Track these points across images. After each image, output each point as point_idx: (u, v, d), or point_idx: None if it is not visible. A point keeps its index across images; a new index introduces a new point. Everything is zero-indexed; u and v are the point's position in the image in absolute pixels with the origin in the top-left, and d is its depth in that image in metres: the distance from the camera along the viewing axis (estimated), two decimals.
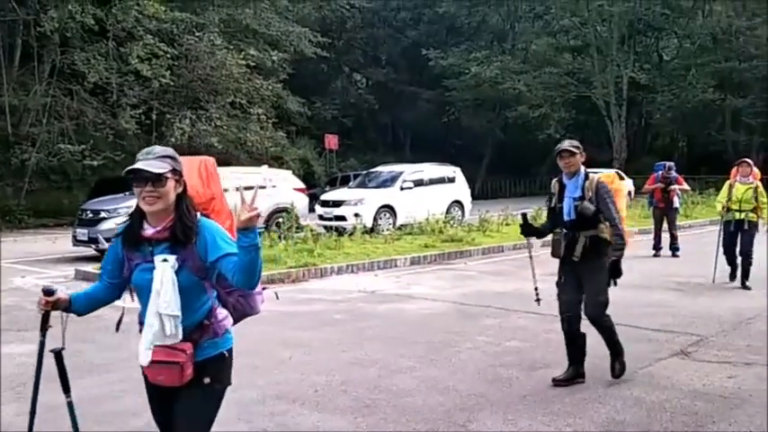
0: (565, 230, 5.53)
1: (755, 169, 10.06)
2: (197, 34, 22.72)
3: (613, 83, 35.12)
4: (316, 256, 12.18)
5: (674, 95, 35.74)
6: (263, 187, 15.85)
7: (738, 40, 35.92)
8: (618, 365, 5.69)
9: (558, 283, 5.67)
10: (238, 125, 23.66)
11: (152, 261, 2.80)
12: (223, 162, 20.75)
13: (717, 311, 8.36)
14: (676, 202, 14.25)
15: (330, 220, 17.33)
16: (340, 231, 15.41)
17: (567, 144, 5.48)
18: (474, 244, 14.64)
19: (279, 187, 16.18)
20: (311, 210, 17.94)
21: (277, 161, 26.21)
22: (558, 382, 5.54)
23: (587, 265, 5.43)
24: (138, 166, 2.75)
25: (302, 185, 17.64)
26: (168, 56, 21.49)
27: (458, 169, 20.12)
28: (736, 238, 9.88)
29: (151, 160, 2.77)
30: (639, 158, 37.30)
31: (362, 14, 38.52)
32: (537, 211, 18.28)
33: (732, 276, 10.14)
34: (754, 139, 36.53)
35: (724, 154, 37.75)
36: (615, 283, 5.53)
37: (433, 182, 19.13)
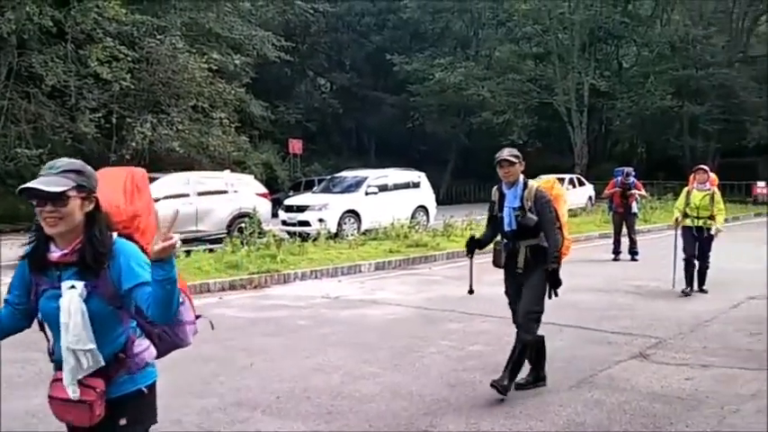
0: (506, 240, 5.51)
1: (712, 175, 10.07)
2: (158, 37, 22.43)
3: (575, 90, 35.60)
4: (279, 261, 12.10)
5: (633, 102, 36.35)
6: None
7: (695, 49, 36.72)
8: (507, 381, 5.38)
9: (506, 293, 5.71)
10: (200, 129, 23.40)
11: (59, 287, 2.48)
12: (185, 167, 20.72)
13: (675, 314, 8.51)
14: (635, 208, 14.50)
15: (294, 225, 17.23)
16: (304, 237, 15.33)
17: (506, 153, 5.39)
18: (439, 249, 14.69)
19: (241, 192, 16.06)
20: (274, 215, 17.82)
21: (240, 166, 25.99)
22: (520, 386, 5.53)
23: (528, 275, 5.41)
24: (32, 184, 2.40)
25: (265, 190, 17.52)
26: (129, 59, 21.16)
27: (422, 174, 20.19)
28: (694, 245, 9.81)
29: (52, 176, 2.43)
30: (600, 164, 37.84)
31: (326, 19, 38.43)
32: None
33: (688, 284, 9.91)
34: (710, 146, 37.32)
35: (681, 160, 38.56)
36: (556, 294, 5.42)
37: (397, 187, 19.15)
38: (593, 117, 38.96)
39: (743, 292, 9.84)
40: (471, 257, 5.91)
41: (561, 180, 28.96)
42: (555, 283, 5.36)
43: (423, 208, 19.41)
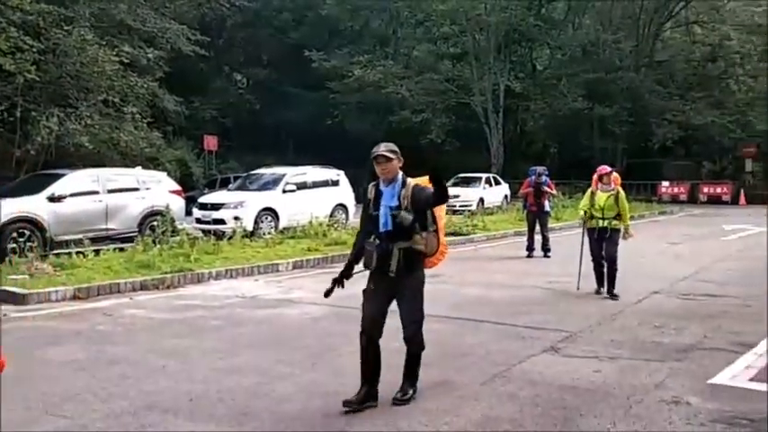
0: (378, 241, 5.13)
1: (615, 174, 10.13)
2: (66, 28, 21.52)
3: (491, 91, 36.29)
4: (192, 261, 11.81)
5: (546, 104, 37.38)
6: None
7: (605, 53, 38.03)
8: (410, 390, 5.32)
9: (365, 291, 5.29)
10: (111, 124, 22.58)
11: None
12: (95, 163, 19.98)
13: (584, 309, 8.79)
14: (548, 206, 14.92)
15: (208, 223, 16.87)
16: (219, 235, 15.03)
17: (382, 148, 5.10)
18: None
19: (153, 189, 15.58)
20: (188, 213, 17.39)
21: (153, 162, 25.21)
22: (349, 405, 5.10)
23: (403, 281, 5.11)
24: None
25: (178, 187, 17.05)
26: (34, 50, 20.23)
27: (341, 172, 20.12)
28: (601, 245, 9.78)
29: None
30: (516, 164, 38.65)
31: (243, 14, 37.80)
32: None
33: (599, 284, 9.88)
34: (618, 146, 38.71)
35: (592, 160, 39.74)
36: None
37: (316, 185, 19.02)
38: (509, 118, 39.81)
39: (647, 287, 10.26)
40: (341, 285, 5.47)
41: (478, 179, 29.72)
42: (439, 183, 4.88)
43: (342, 206, 19.35)
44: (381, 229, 5.11)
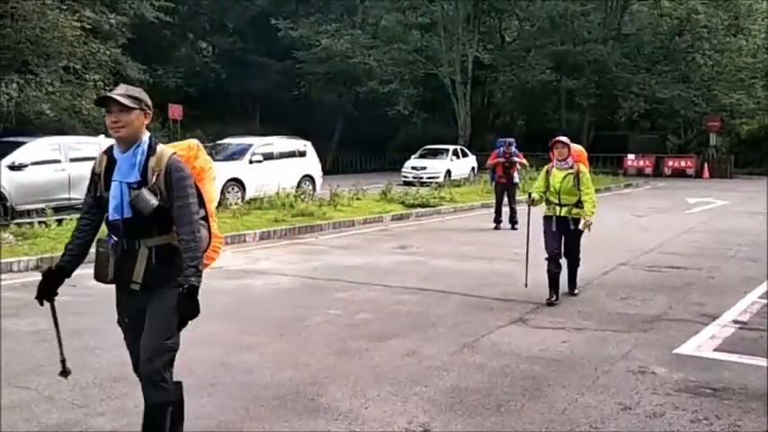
0: (114, 238, 3.48)
1: (576, 148, 7.99)
2: None
3: (459, 62, 36.15)
4: None
5: (514, 75, 37.37)
6: None
7: (573, 25, 38.07)
8: None
9: (119, 323, 3.75)
10: (73, 92, 22.01)
11: None
12: (57, 131, 19.51)
13: None
14: (516, 178, 14.95)
15: None
16: None
17: (118, 90, 3.49)
18: (325, 218, 14.61)
19: None
20: None
21: None
22: None
23: (153, 294, 3.48)
24: None
25: None
26: None
27: (308, 143, 19.96)
28: (560, 239, 7.72)
29: None
30: (483, 135, 38.79)
31: None
32: (386, 186, 18.61)
33: (552, 291, 7.63)
34: (585, 119, 39.01)
35: (558, 132, 40.03)
36: (185, 324, 3.59)
37: (283, 155, 18.84)
38: (477, 89, 39.79)
39: (613, 259, 10.38)
40: (51, 301, 3.67)
41: (445, 151, 29.71)
42: (189, 309, 3.47)
43: (309, 177, 19.22)
44: (113, 216, 3.45)
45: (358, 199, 17.29)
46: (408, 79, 36.94)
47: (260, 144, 18.60)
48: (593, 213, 7.65)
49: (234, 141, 19.56)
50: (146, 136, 3.50)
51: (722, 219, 16.25)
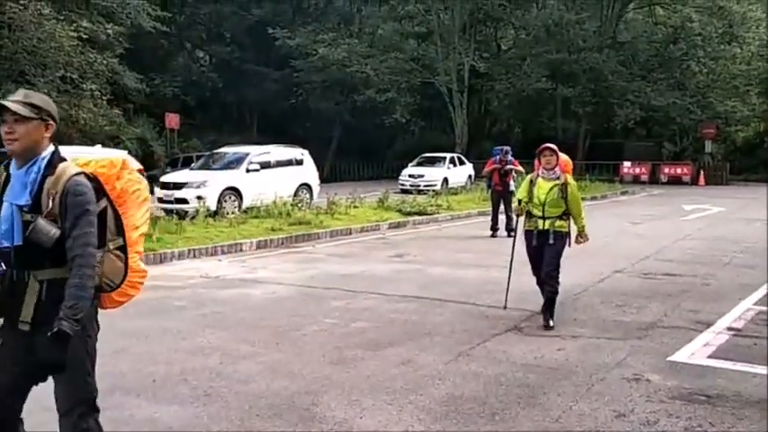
0: (3, 266, 3.04)
1: (564, 157, 7.37)
2: (22, 2, 20.85)
3: (455, 70, 36.26)
4: (154, 241, 11.64)
5: (510, 84, 37.48)
6: None
7: (569, 33, 38.22)
8: None
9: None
10: (69, 101, 22.03)
11: None
12: (54, 141, 19.49)
13: None
14: (512, 186, 14.97)
15: (170, 202, 16.63)
16: (181, 215, 14.85)
17: (15, 96, 3.03)
18: (322, 227, 14.63)
19: None
20: (150, 192, 17.07)
21: (113, 141, 24.77)
22: None
23: (45, 337, 2.84)
24: None
25: (139, 166, 16.61)
26: None
27: (306, 152, 20.00)
28: (542, 255, 7.14)
29: None
30: (480, 144, 38.87)
31: None
32: (384, 194, 18.64)
33: (547, 312, 7.11)
34: (581, 127, 39.12)
35: (555, 140, 40.12)
36: (44, 378, 3.08)
37: (280, 164, 18.87)
38: (474, 97, 39.93)
39: (608, 266, 10.40)
40: None
41: (442, 159, 29.79)
42: (51, 359, 2.86)
43: (306, 185, 19.25)
44: (0, 242, 2.97)
45: (355, 207, 17.32)
46: (405, 88, 37.04)
47: (257, 153, 18.62)
48: (584, 227, 7.23)
49: (231, 150, 19.59)
50: (46, 151, 3.02)
51: (718, 226, 16.30)
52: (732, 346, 6.30)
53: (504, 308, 7.51)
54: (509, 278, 7.74)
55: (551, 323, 6.90)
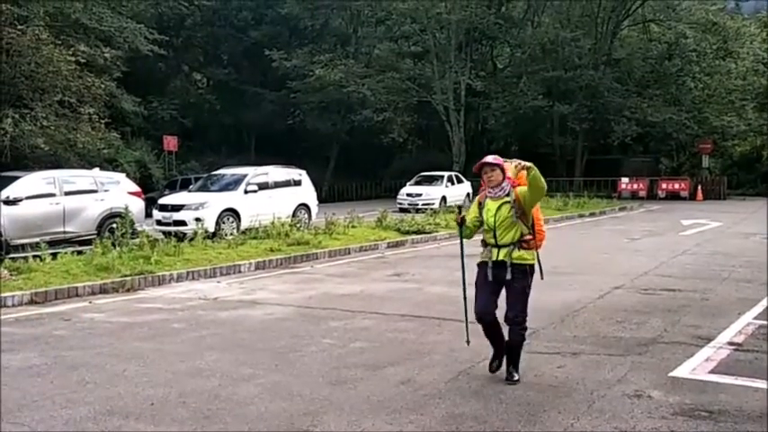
0: None
1: (510, 165, 5.85)
2: (20, 27, 21.01)
3: (452, 89, 36.44)
4: (153, 263, 11.61)
5: (507, 102, 37.66)
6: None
7: (564, 51, 38.47)
8: None
9: None
10: (68, 125, 22.10)
11: None
12: (52, 165, 19.56)
13: (547, 305, 8.82)
14: None
15: (169, 225, 16.61)
16: (180, 237, 14.83)
17: None
18: (320, 247, 14.62)
19: (112, 191, 15.30)
20: (149, 215, 17.13)
21: (111, 164, 24.85)
22: None
23: None
24: None
25: (138, 189, 16.77)
26: None
27: (303, 172, 20.01)
28: (495, 294, 5.77)
29: None
30: (478, 161, 38.89)
31: (202, 12, 37.36)
32: (382, 213, 18.64)
33: (496, 354, 5.92)
34: (578, 144, 39.25)
35: (552, 156, 40.39)
36: None
37: (278, 185, 18.87)
38: (470, 116, 40.06)
39: (608, 283, 10.39)
40: None
41: (440, 178, 29.84)
42: None
43: (304, 206, 19.23)
44: None
45: (353, 227, 17.31)
46: (402, 107, 37.19)
47: (255, 174, 18.64)
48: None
49: (229, 172, 19.60)
50: None
51: (716, 240, 16.30)
52: (733, 361, 6.27)
53: (467, 342, 6.14)
54: (465, 308, 6.20)
55: (516, 376, 5.69)
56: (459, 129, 37.08)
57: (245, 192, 17.68)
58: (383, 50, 40.62)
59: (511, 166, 5.84)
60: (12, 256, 12.48)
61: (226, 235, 16.08)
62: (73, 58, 21.66)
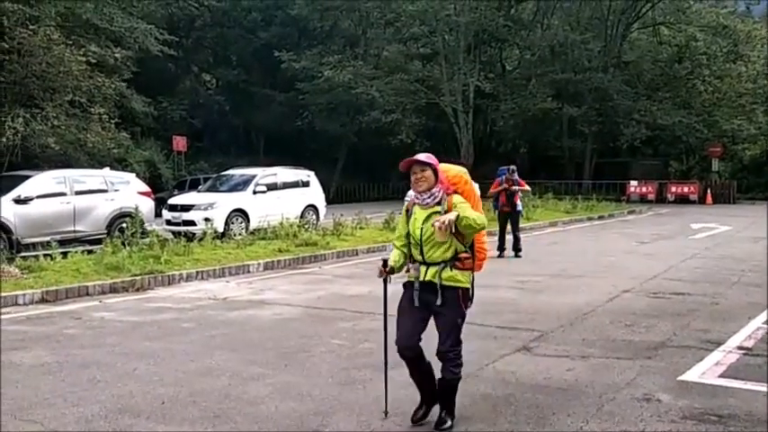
0: None
1: (453, 170, 4.87)
2: (31, 27, 21.16)
3: (461, 91, 36.42)
4: (162, 262, 11.68)
5: (516, 104, 37.61)
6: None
7: (573, 53, 38.42)
8: None
9: None
10: (78, 125, 22.25)
11: None
12: (63, 165, 19.66)
13: (556, 308, 8.85)
14: (519, 206, 15.02)
15: (178, 225, 16.70)
16: (189, 237, 14.89)
17: None
18: (328, 248, 14.65)
19: (122, 191, 15.39)
20: (158, 215, 17.21)
21: (121, 163, 24.98)
22: None
23: None
24: None
25: (147, 189, 16.87)
26: None
27: (312, 173, 20.06)
28: (421, 323, 4.84)
29: None
30: (486, 163, 38.88)
31: (212, 13, 37.51)
32: (389, 214, 18.66)
33: (424, 401, 4.92)
34: (587, 146, 39.16)
35: (561, 159, 40.34)
36: None
37: (287, 185, 18.93)
38: (479, 118, 40.04)
39: (617, 286, 10.37)
40: None
41: None
42: None
43: (312, 207, 19.29)
44: None
45: (361, 228, 17.34)
46: (410, 109, 37.17)
47: (264, 175, 18.70)
48: (477, 226, 4.51)
49: (238, 172, 19.68)
50: None
51: (726, 244, 16.24)
52: (743, 366, 6.26)
53: (385, 414, 4.97)
54: (386, 363, 5.08)
55: (448, 423, 4.72)
56: (468, 131, 37.05)
57: (254, 192, 17.75)
58: (392, 52, 40.63)
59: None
60: (23, 254, 12.57)
61: (235, 235, 16.15)
62: (84, 59, 21.80)
